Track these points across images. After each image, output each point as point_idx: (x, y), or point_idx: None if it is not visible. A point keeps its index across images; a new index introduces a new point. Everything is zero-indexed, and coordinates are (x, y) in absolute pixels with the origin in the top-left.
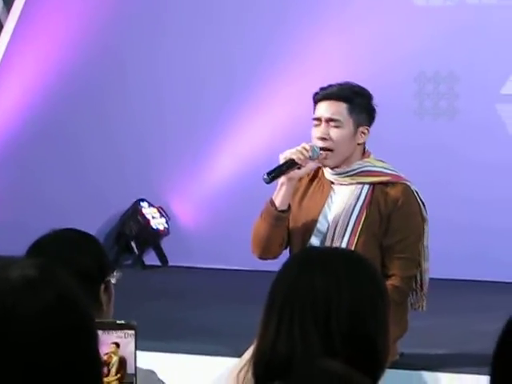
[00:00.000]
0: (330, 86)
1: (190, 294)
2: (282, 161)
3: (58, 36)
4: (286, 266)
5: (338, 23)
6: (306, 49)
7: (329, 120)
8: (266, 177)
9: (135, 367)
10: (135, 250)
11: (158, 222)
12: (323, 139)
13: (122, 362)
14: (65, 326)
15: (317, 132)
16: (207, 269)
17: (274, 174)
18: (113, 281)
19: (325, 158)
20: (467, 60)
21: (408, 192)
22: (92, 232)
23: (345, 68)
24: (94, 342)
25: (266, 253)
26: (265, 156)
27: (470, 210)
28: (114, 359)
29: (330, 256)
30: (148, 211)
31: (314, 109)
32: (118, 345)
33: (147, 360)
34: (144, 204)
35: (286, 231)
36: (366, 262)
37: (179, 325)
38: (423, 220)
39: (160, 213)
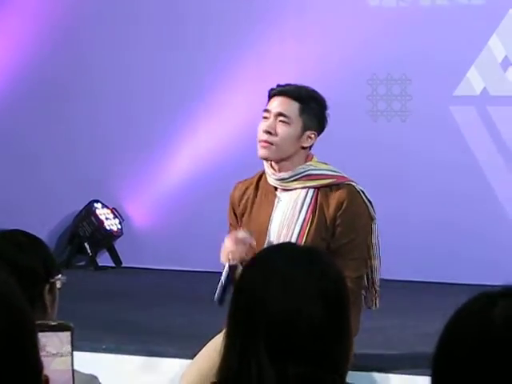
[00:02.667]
0: (288, 84)
1: (143, 294)
2: (219, 288)
3: (14, 37)
4: (245, 274)
5: (292, 24)
6: (260, 50)
7: (278, 115)
8: (218, 303)
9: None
10: (89, 250)
11: (111, 223)
12: (268, 132)
13: (46, 382)
14: (1, 325)
15: (263, 125)
16: (160, 270)
17: (222, 295)
18: (58, 284)
19: (264, 148)
20: (420, 61)
21: (352, 193)
22: (45, 233)
23: (298, 69)
24: (32, 343)
25: None
26: (219, 157)
27: (422, 208)
28: None
29: (290, 263)
30: (102, 212)
31: (268, 102)
32: (47, 381)
33: (98, 361)
34: (98, 205)
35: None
36: (327, 259)
37: (131, 326)
38: (371, 219)
39: (114, 214)
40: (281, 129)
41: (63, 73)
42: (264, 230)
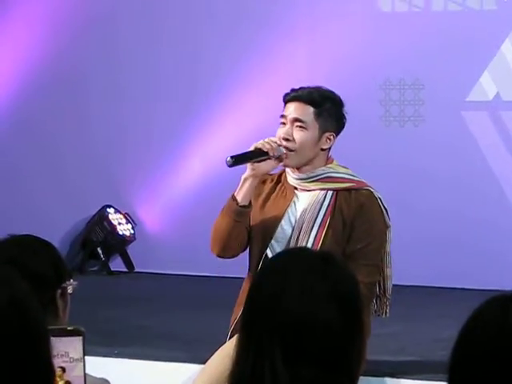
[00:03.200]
0: (302, 88)
1: (157, 300)
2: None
3: (27, 35)
4: (260, 278)
5: (304, 30)
6: (272, 55)
7: (294, 120)
8: (229, 159)
9: None
10: (101, 256)
11: (124, 228)
12: (286, 139)
13: None
14: (15, 329)
15: (281, 132)
16: (173, 275)
17: (238, 158)
18: (69, 289)
19: (286, 158)
20: (433, 67)
21: (371, 198)
22: (58, 238)
23: (311, 75)
24: (45, 347)
25: (225, 250)
26: None
27: (435, 214)
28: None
29: (306, 268)
30: (114, 217)
31: (284, 108)
32: (63, 369)
33: (110, 366)
34: (110, 210)
35: (246, 231)
36: (341, 265)
37: (145, 331)
38: (386, 226)
39: (126, 219)
40: (298, 134)
41: (79, 77)
42: (274, 225)
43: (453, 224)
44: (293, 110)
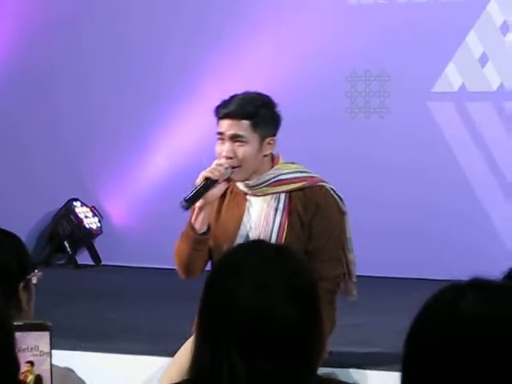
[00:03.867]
0: (232, 98)
1: (123, 293)
2: (197, 183)
3: None
4: (216, 274)
5: (270, 22)
6: (238, 48)
7: (232, 137)
8: (184, 203)
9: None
10: (68, 249)
11: (90, 222)
12: (229, 158)
13: (38, 381)
14: None
15: (222, 150)
16: (140, 268)
17: (192, 198)
18: (34, 280)
19: (232, 175)
20: (398, 58)
21: (325, 195)
22: (25, 231)
23: (277, 67)
24: (9, 341)
25: (190, 274)
26: (197, 153)
27: (400, 205)
28: (30, 378)
29: (261, 263)
30: (81, 210)
31: (218, 123)
32: (32, 363)
33: (76, 359)
34: (77, 203)
35: (207, 252)
36: (297, 258)
37: (112, 324)
38: (342, 214)
39: (93, 212)
40: (240, 150)
41: (46, 72)
42: (233, 235)
43: (418, 215)
44: (228, 126)
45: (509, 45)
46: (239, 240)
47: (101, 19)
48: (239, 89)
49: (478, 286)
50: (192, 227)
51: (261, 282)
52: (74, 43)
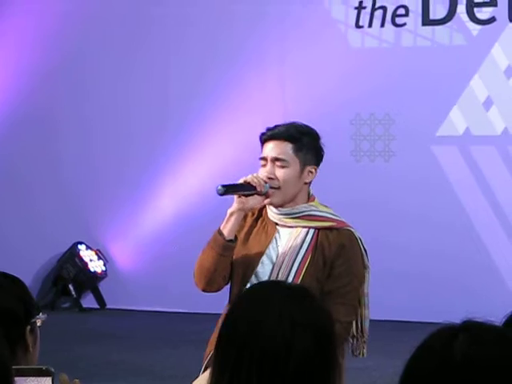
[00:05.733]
0: (277, 126)
1: (128, 336)
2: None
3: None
4: (239, 304)
5: (274, 66)
6: (244, 92)
7: (275, 160)
8: (220, 187)
9: None
10: (73, 292)
11: (95, 265)
12: (270, 179)
13: None
14: None
15: (263, 172)
16: (144, 311)
17: (229, 188)
18: (38, 323)
19: (271, 195)
20: (403, 102)
21: (352, 238)
22: (30, 274)
23: (281, 110)
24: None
25: (210, 284)
26: (201, 198)
27: (406, 248)
28: None
29: (285, 297)
30: (86, 254)
31: (262, 149)
32: None
33: None
34: (82, 247)
35: (230, 265)
36: (318, 299)
37: (117, 367)
38: (365, 268)
39: (98, 255)
40: (280, 172)
41: (50, 115)
42: (256, 260)
43: (422, 258)
44: (271, 149)
45: None
46: (261, 267)
47: (105, 62)
48: (242, 131)
49: (470, 329)
50: (220, 233)
51: (285, 313)
52: (76, 86)
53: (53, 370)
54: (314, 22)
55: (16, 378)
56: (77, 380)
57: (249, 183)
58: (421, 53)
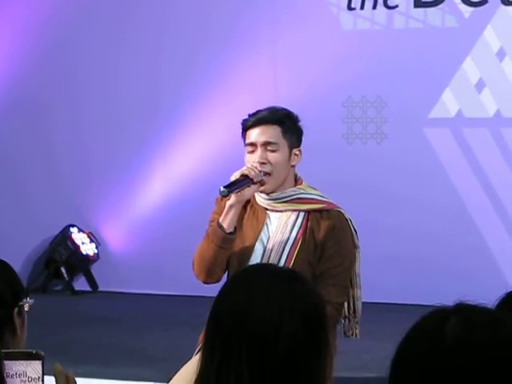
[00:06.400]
0: (259, 111)
1: (120, 318)
2: (234, 178)
3: None
4: (228, 289)
5: (266, 48)
6: (235, 75)
7: (265, 144)
8: (223, 189)
9: None
10: (65, 275)
11: (87, 248)
12: (262, 164)
13: None
14: None
15: (254, 157)
16: (136, 294)
17: (231, 187)
18: (26, 307)
19: (265, 183)
20: (395, 84)
21: (342, 220)
22: (22, 258)
23: (272, 93)
24: None
25: (210, 276)
26: (192, 180)
27: (398, 231)
28: None
29: (273, 281)
30: (78, 237)
31: (245, 135)
32: None
33: None
34: (74, 229)
35: (228, 256)
36: (307, 281)
37: (109, 350)
38: (355, 247)
39: (90, 238)
40: (272, 157)
41: (41, 97)
42: (250, 247)
43: (415, 241)
44: (261, 133)
45: (505, 71)
46: (255, 253)
47: (96, 45)
48: (234, 114)
49: (462, 312)
50: (220, 226)
51: (272, 298)
52: (67, 70)
53: (43, 353)
54: (306, 4)
55: (5, 362)
56: (71, 372)
57: (246, 176)
58: (413, 35)
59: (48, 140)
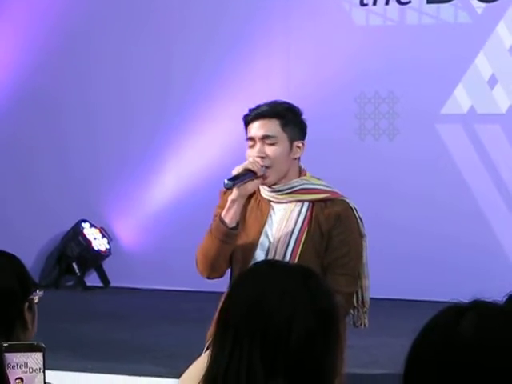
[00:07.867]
0: (259, 105)
1: (131, 314)
2: (236, 173)
3: (6, 50)
4: (240, 282)
5: (279, 43)
6: (247, 71)
7: (263, 138)
8: (227, 182)
9: None
10: (77, 271)
11: (99, 243)
12: (261, 158)
13: None
14: None
15: (253, 152)
16: (148, 289)
17: (235, 180)
18: (36, 300)
19: (267, 176)
20: (407, 80)
21: (347, 209)
22: (33, 253)
23: (285, 88)
24: None
25: (214, 272)
26: (205, 175)
27: (411, 226)
28: None
29: (286, 275)
30: (89, 232)
31: (246, 130)
32: (22, 380)
33: (84, 381)
34: (85, 225)
35: (231, 250)
36: (320, 278)
37: (120, 346)
38: (361, 236)
39: (102, 233)
40: (270, 150)
41: (54, 94)
42: (255, 240)
43: (426, 238)
44: (258, 127)
45: None
46: (260, 246)
47: (108, 42)
48: (246, 110)
49: (477, 308)
50: (222, 221)
51: (286, 293)
52: (80, 64)
53: (44, 345)
54: (318, 0)
55: (7, 354)
56: None
57: (250, 170)
58: (425, 31)
59: (60, 135)
